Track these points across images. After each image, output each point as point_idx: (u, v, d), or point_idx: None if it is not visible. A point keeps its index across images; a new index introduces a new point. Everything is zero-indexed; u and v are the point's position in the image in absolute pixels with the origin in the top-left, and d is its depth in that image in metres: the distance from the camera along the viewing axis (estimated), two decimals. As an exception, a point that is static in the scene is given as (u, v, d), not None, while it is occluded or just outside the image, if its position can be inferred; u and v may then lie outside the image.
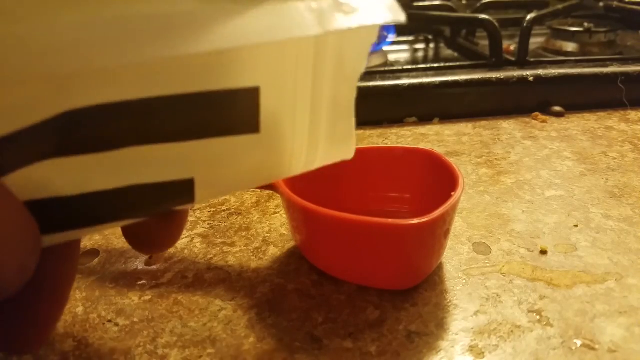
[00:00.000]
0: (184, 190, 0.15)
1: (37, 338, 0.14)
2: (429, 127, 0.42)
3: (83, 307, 0.22)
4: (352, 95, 0.17)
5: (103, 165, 0.13)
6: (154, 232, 0.16)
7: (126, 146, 0.13)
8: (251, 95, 0.14)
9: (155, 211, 0.15)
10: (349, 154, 0.18)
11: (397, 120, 0.43)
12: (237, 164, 0.15)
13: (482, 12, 0.58)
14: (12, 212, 0.11)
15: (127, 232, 0.17)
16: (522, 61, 0.48)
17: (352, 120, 0.18)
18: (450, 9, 0.62)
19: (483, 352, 0.19)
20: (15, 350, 0.14)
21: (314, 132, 0.17)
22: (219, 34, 0.11)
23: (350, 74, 0.17)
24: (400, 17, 0.15)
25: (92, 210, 0.13)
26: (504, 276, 0.23)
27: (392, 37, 0.54)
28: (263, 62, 0.14)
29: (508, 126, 0.42)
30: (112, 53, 0.10)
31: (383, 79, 0.43)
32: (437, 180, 0.25)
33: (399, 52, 0.63)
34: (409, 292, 0.22)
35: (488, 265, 0.24)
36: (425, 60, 0.60)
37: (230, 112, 0.14)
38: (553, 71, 0.44)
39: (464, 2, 0.73)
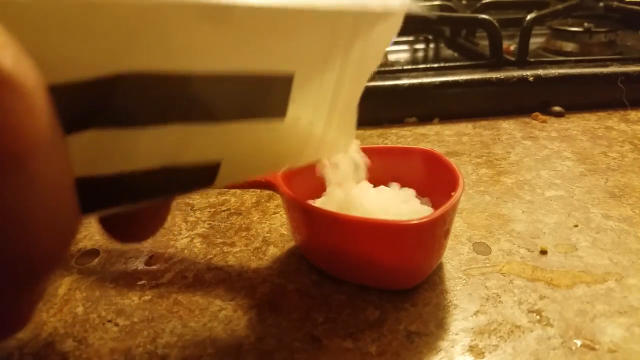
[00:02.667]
0: (209, 173, 0.14)
1: (21, 322, 0.13)
2: (429, 127, 0.42)
3: (83, 307, 0.22)
4: (360, 91, 0.18)
5: (143, 142, 0.12)
6: (135, 222, 0.15)
7: (170, 122, 0.12)
8: (287, 81, 0.14)
9: (177, 194, 0.15)
10: (347, 147, 0.20)
11: (397, 120, 0.43)
12: (258, 148, 0.15)
13: (482, 12, 0.58)
14: (69, 176, 0.10)
15: (105, 220, 0.15)
16: (522, 61, 0.48)
17: (355, 116, 0.19)
18: (450, 9, 0.62)
19: (483, 352, 0.19)
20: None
21: (328, 124, 0.17)
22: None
23: (366, 71, 0.18)
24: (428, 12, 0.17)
25: (119, 192, 0.13)
26: (504, 276, 0.23)
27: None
28: (301, 49, 0.14)
29: (508, 126, 0.42)
30: None
31: (383, 79, 0.43)
32: (437, 180, 0.25)
33: (399, 52, 0.63)
34: (409, 292, 0.22)
35: (488, 265, 0.24)
36: (425, 60, 0.60)
37: (266, 95, 0.14)
38: (553, 71, 0.44)
39: (464, 2, 0.73)
